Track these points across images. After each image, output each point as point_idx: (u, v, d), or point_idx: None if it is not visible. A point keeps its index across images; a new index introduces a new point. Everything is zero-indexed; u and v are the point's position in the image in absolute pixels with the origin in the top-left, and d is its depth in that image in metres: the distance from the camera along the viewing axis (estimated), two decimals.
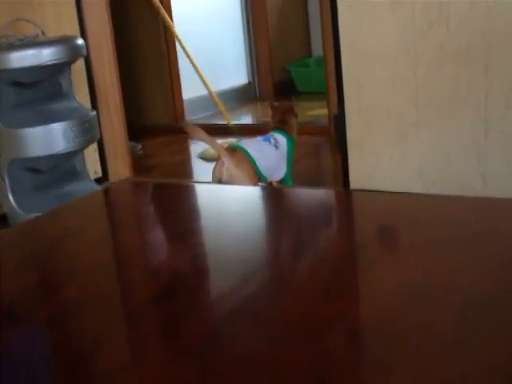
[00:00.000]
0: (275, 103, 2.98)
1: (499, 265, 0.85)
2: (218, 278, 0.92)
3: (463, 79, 2.47)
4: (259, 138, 2.75)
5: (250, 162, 2.57)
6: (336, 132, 3.54)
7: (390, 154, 2.68)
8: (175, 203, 1.26)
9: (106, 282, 0.93)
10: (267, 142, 2.71)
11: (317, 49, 5.37)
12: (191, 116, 4.69)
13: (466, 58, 2.44)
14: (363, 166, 2.75)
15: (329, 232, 1.09)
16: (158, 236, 1.14)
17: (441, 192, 2.50)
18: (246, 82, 5.39)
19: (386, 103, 2.64)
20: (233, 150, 2.58)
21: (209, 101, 4.84)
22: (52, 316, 0.83)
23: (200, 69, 3.89)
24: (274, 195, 1.37)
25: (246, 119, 4.98)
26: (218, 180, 2.51)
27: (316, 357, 0.68)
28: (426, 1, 2.46)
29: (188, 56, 3.82)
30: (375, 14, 2.57)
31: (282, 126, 2.82)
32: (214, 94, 3.91)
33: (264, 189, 1.89)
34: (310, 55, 5.64)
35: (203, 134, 2.57)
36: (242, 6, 5.30)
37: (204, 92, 4.87)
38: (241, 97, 5.24)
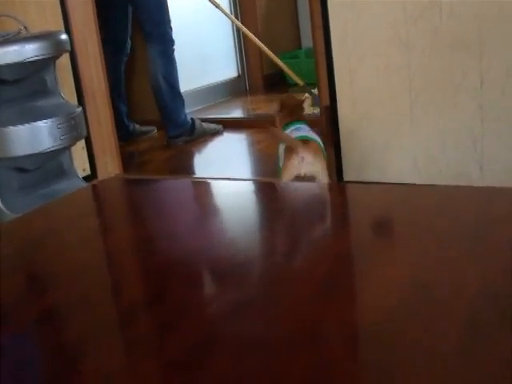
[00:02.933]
0: (284, 97, 2.71)
1: (505, 258, 0.81)
2: (211, 279, 0.89)
3: (457, 66, 2.42)
4: (306, 128, 2.47)
5: (323, 153, 2.35)
6: (328, 123, 3.49)
7: (384, 144, 2.64)
8: (166, 200, 1.24)
9: (92, 283, 0.89)
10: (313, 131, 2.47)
11: (306, 41, 5.32)
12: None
13: (460, 44, 2.40)
14: (357, 158, 2.70)
15: (325, 228, 1.05)
16: (148, 235, 1.10)
17: (437, 182, 2.46)
18: (236, 75, 5.34)
19: (378, 92, 2.60)
20: (306, 142, 2.31)
21: (202, 94, 4.79)
22: (38, 318, 0.80)
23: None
24: (268, 190, 1.34)
25: (237, 113, 4.92)
26: (295, 176, 2.25)
27: (313, 367, 0.64)
28: None
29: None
30: (365, 1, 2.52)
31: (301, 118, 2.60)
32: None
33: (257, 183, 1.85)
34: (299, 47, 5.59)
35: (280, 133, 2.39)
36: None
37: (197, 85, 4.82)
38: (230, 90, 5.19)
